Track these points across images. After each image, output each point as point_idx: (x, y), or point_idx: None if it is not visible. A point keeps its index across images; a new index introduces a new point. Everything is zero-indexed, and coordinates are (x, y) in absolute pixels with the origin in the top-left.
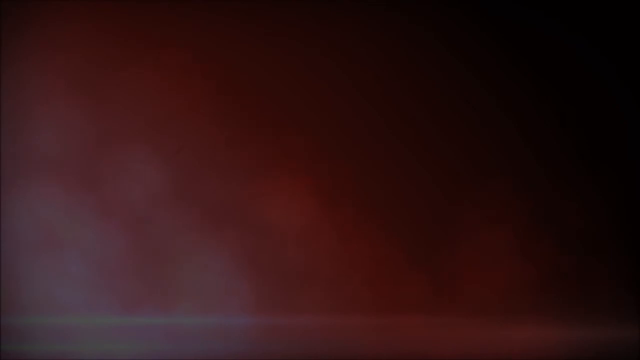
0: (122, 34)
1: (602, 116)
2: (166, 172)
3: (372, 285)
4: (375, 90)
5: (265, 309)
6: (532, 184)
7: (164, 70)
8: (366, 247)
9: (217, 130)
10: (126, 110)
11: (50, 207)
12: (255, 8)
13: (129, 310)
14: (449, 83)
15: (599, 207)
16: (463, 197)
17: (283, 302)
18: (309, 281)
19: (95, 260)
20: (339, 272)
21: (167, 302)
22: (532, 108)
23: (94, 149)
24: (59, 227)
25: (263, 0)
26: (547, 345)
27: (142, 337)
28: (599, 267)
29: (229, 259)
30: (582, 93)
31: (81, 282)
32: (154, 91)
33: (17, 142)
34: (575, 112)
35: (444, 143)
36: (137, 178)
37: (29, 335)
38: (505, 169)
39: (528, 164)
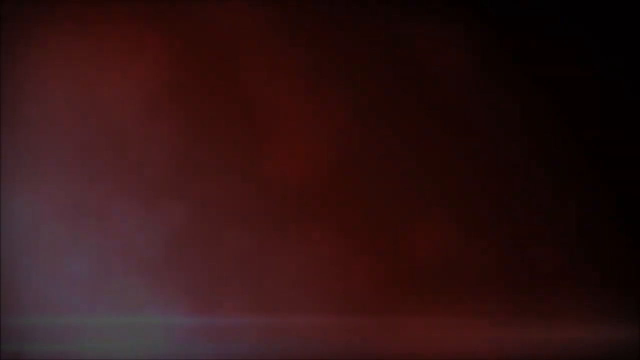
0: (123, 34)
1: (600, 116)
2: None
3: (371, 287)
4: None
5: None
6: (531, 185)
7: (165, 70)
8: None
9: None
10: (126, 109)
11: (50, 208)
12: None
13: (129, 310)
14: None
15: (599, 207)
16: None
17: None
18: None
19: (95, 260)
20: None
21: (167, 302)
22: (527, 106)
23: (94, 150)
24: (59, 228)
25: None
26: (547, 345)
27: (142, 337)
28: (599, 267)
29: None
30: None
31: (81, 282)
32: (155, 89)
33: (17, 143)
34: (577, 113)
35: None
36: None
37: (29, 335)
38: (504, 169)
39: (528, 165)
